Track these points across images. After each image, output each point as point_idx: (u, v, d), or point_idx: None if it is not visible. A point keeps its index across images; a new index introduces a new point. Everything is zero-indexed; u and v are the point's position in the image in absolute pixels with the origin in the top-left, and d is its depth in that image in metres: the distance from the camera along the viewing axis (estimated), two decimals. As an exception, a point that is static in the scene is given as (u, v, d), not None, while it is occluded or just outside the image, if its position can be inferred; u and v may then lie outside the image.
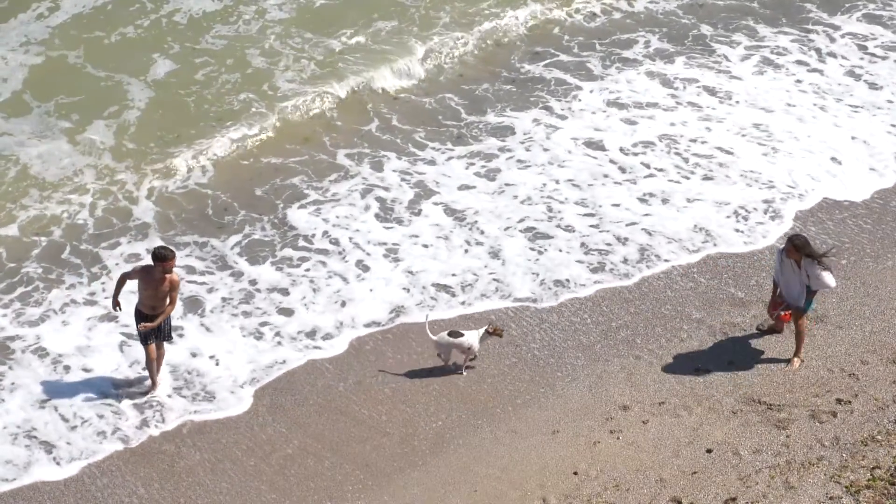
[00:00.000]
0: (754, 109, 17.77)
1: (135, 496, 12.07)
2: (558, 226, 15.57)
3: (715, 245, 15.16)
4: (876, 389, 12.77)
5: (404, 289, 14.60)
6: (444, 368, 13.37)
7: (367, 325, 14.07)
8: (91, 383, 13.26)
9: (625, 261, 14.95)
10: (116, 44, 19.02)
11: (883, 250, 14.98)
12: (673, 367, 13.30)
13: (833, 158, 16.71)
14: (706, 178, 16.40)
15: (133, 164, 16.65)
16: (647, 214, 15.71)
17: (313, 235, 15.46)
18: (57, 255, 15.09)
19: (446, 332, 13.32)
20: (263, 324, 14.12)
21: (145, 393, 13.12)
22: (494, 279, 14.72)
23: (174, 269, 12.60)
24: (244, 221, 15.69)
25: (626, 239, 15.28)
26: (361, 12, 19.82)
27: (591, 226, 15.56)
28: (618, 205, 15.90)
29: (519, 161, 16.76)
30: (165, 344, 13.13)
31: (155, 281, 12.59)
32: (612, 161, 16.73)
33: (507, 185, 16.32)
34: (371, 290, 14.56)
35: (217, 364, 13.56)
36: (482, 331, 13.29)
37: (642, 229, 15.44)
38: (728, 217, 15.63)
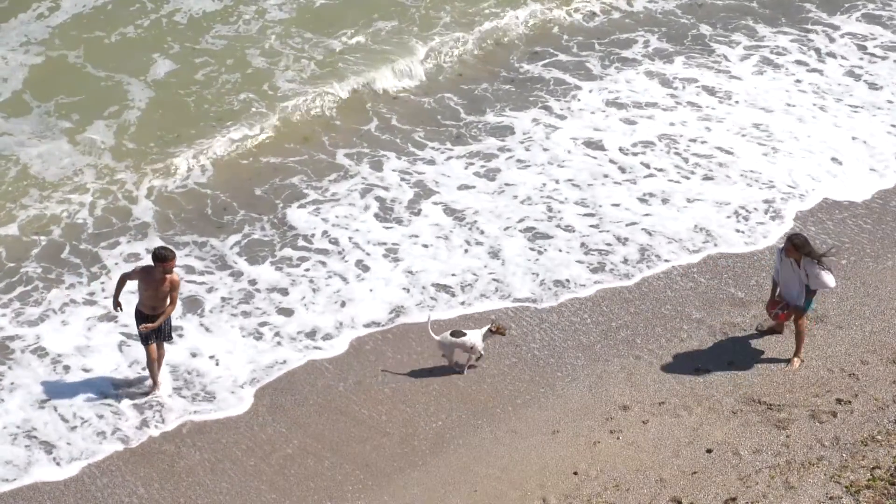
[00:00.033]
0: (754, 109, 17.76)
1: (135, 496, 12.07)
2: (558, 226, 15.56)
3: (715, 245, 15.15)
4: (876, 389, 12.77)
5: (404, 289, 14.59)
6: (444, 368, 13.36)
7: (367, 326, 14.06)
8: (91, 383, 13.25)
9: (625, 261, 14.95)
10: (116, 44, 19.01)
11: (883, 250, 14.97)
12: (673, 367, 13.30)
13: (833, 158, 16.71)
14: (706, 178, 16.40)
15: (133, 163, 16.65)
16: (647, 214, 15.70)
17: (313, 235, 15.45)
18: (56, 254, 15.09)
19: (449, 332, 13.32)
20: (263, 324, 14.11)
21: (146, 393, 13.11)
22: (494, 279, 14.71)
23: (174, 270, 12.61)
24: (244, 221, 15.68)
25: (626, 239, 15.28)
26: (361, 12, 19.81)
27: (591, 226, 15.55)
28: (618, 205, 15.89)
29: (518, 161, 16.75)
30: (165, 344, 13.13)
31: (155, 281, 12.59)
32: (611, 161, 16.72)
33: (506, 184, 16.31)
34: (371, 290, 14.56)
35: (217, 364, 13.55)
36: (485, 330, 13.28)
37: (642, 229, 15.43)
38: (728, 217, 15.62)
